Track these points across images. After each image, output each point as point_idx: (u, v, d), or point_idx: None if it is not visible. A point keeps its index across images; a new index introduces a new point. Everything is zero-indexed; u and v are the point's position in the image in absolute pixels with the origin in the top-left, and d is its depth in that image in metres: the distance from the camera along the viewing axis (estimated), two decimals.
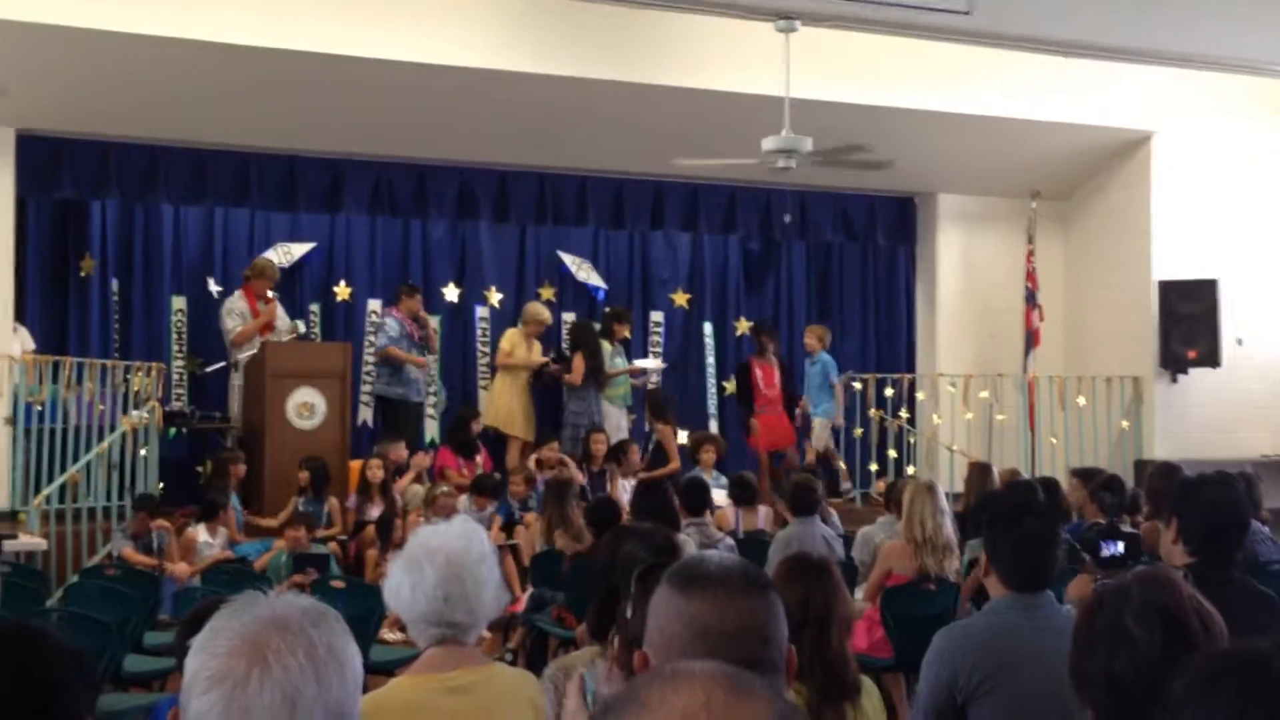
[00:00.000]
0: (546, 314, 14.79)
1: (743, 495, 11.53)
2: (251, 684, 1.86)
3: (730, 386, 16.13)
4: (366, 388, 14.61)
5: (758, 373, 14.87)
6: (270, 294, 13.47)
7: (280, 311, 13.56)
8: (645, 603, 2.49)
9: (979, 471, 10.76)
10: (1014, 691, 4.09)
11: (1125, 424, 14.95)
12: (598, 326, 14.80)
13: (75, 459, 11.77)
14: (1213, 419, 14.84)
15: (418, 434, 14.02)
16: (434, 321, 14.45)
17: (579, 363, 14.15)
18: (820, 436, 14.75)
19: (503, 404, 14.30)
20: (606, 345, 14.61)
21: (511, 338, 14.47)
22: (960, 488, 14.04)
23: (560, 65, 12.58)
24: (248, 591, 2.01)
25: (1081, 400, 14.97)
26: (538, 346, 14.64)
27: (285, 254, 14.62)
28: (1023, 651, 4.10)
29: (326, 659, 1.92)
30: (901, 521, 8.27)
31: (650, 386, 15.35)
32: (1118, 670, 2.34)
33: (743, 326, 16.36)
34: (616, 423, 14.54)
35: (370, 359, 14.53)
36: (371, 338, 14.65)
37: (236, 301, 13.49)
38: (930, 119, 13.77)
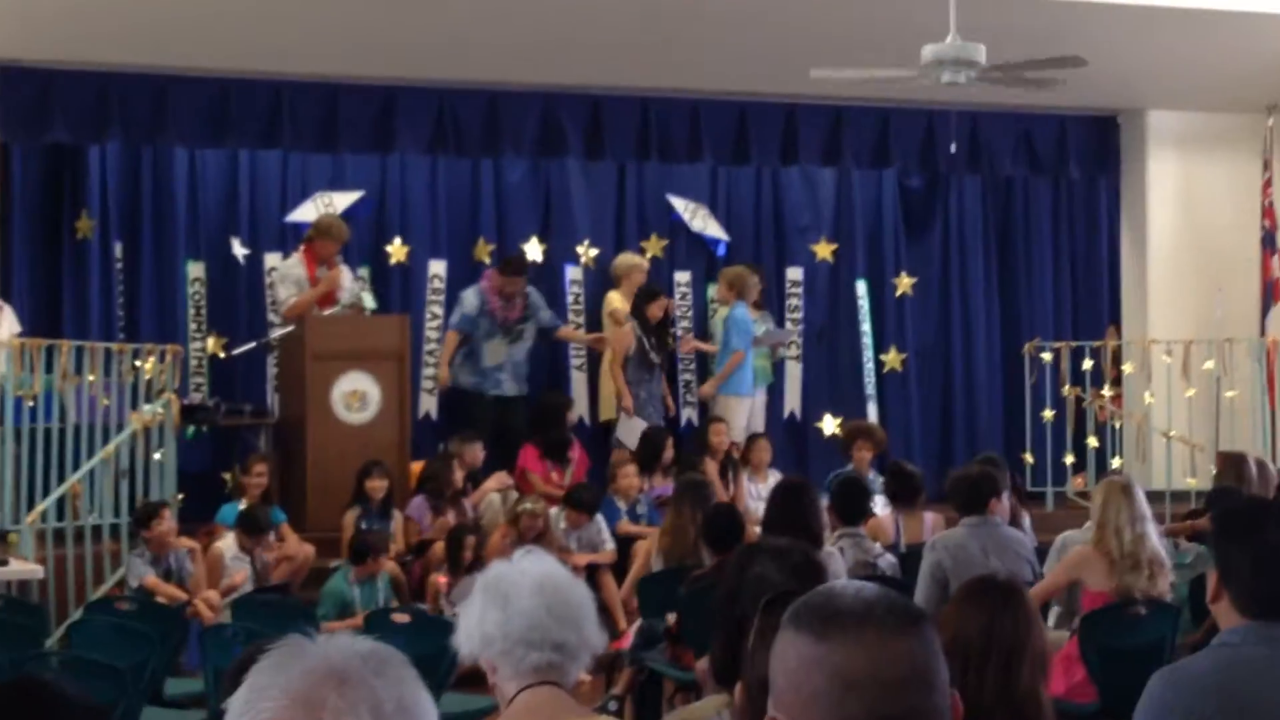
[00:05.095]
0: (644, 260, 14.93)
1: (903, 492, 10.99)
2: None
3: (891, 360, 16.10)
4: (429, 371, 14.71)
5: None
6: (338, 260, 13.62)
7: (347, 281, 13.67)
8: (771, 639, 2.49)
9: (1232, 465, 10.58)
10: None
11: None
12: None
13: (76, 466, 11.93)
14: None
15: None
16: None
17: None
18: (734, 424, 14.27)
19: (613, 386, 14.41)
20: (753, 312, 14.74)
21: (615, 301, 14.56)
22: (1179, 484, 13.96)
23: None
24: (292, 636, 2.04)
25: None
26: None
27: (326, 205, 14.75)
28: (1266, 696, 4.06)
29: (395, 717, 1.95)
30: (1093, 528, 8.21)
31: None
32: None
33: (904, 284, 16.30)
34: (746, 407, 14.55)
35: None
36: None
37: (293, 267, 13.67)
38: (1136, 15, 13.59)
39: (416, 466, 12.83)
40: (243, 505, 11.85)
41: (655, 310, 14.33)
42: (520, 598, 3.70)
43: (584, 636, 3.75)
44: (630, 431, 13.86)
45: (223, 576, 11.03)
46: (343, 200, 14.87)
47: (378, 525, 11.85)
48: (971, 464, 10.66)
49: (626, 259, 14.84)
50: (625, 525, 12.54)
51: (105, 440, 12.15)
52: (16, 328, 13.01)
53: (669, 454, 13.57)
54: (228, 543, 11.25)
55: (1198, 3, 13.70)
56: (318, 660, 1.98)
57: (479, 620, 3.75)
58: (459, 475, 12.56)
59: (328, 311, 13.31)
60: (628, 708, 9.09)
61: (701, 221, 15.88)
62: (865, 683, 2.32)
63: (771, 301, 15.71)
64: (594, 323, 15.10)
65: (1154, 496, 11.05)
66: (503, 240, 15.18)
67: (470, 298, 13.87)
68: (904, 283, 16.34)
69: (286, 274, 13.66)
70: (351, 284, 13.70)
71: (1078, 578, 8.21)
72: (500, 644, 3.72)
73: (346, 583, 10.73)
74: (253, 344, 13.76)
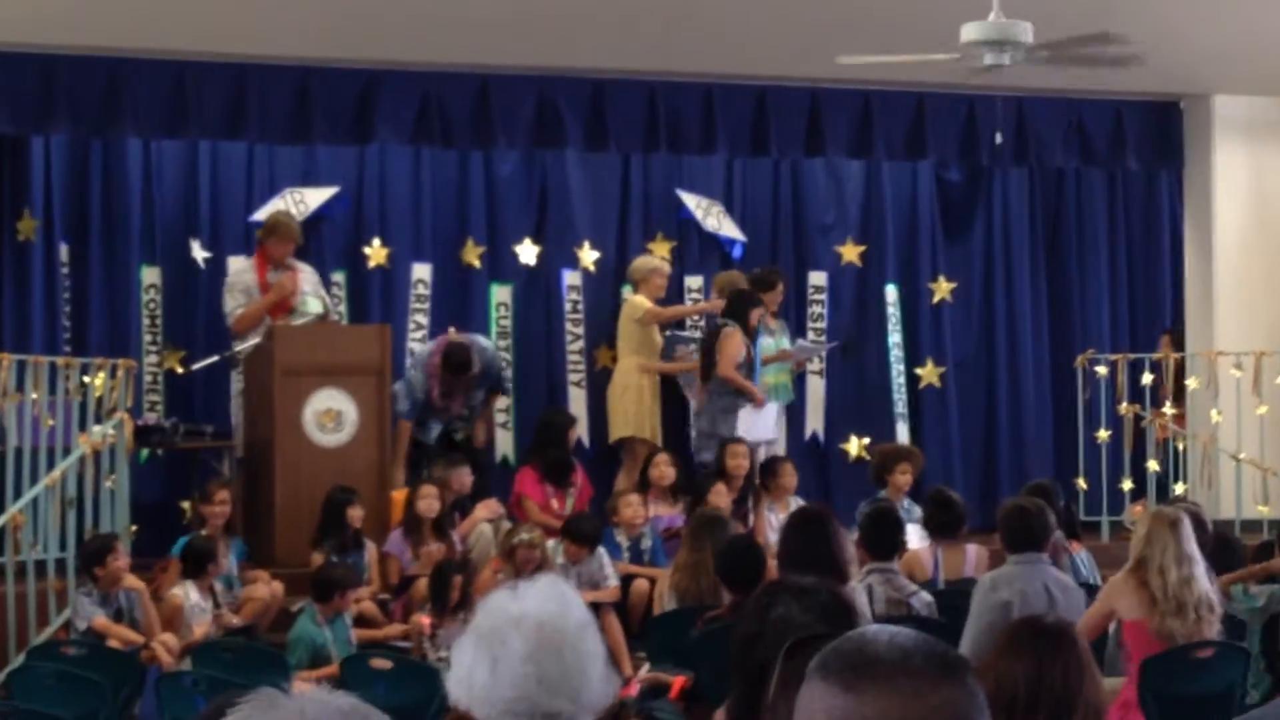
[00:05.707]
0: (664, 263, 15.01)
1: (943, 523, 11.13)
2: None
3: (927, 374, 16.09)
4: None
5: None
6: (293, 261, 13.62)
7: (307, 286, 13.69)
8: (795, 688, 2.50)
9: None
10: None
11: None
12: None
13: (17, 494, 11.92)
14: None
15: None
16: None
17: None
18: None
19: (633, 401, 14.49)
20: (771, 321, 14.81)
21: (638, 305, 14.62)
22: (1250, 513, 13.97)
23: None
24: (263, 689, 2.06)
25: None
26: None
27: (297, 203, 14.76)
28: None
29: None
30: (1130, 560, 8.22)
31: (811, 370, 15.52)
32: None
33: (941, 290, 16.31)
34: (766, 427, 14.56)
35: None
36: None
37: (243, 273, 13.69)
38: None
39: (398, 495, 12.80)
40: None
41: (754, 318, 14.33)
42: (510, 662, 3.69)
43: (582, 701, 3.74)
44: (754, 427, 13.90)
45: (182, 627, 10.91)
46: (315, 197, 14.86)
47: (352, 559, 11.85)
48: (1022, 493, 10.67)
49: (645, 261, 14.88)
50: (625, 566, 12.42)
51: (50, 465, 12.12)
52: None
53: (659, 471, 13.48)
54: (188, 590, 11.08)
55: None
56: (292, 717, 1.99)
57: (468, 674, 3.77)
58: (424, 504, 12.40)
59: (298, 322, 13.31)
60: None
61: (715, 220, 15.88)
62: None
63: (791, 310, 15.71)
64: (596, 334, 15.15)
65: (1222, 526, 11.11)
66: (493, 241, 15.20)
67: (417, 380, 13.71)
68: (942, 288, 16.37)
69: (235, 283, 13.65)
70: (314, 288, 13.69)
71: (1113, 607, 8.23)
72: (486, 709, 3.74)
73: (315, 624, 10.65)
74: (214, 358, 13.71)
